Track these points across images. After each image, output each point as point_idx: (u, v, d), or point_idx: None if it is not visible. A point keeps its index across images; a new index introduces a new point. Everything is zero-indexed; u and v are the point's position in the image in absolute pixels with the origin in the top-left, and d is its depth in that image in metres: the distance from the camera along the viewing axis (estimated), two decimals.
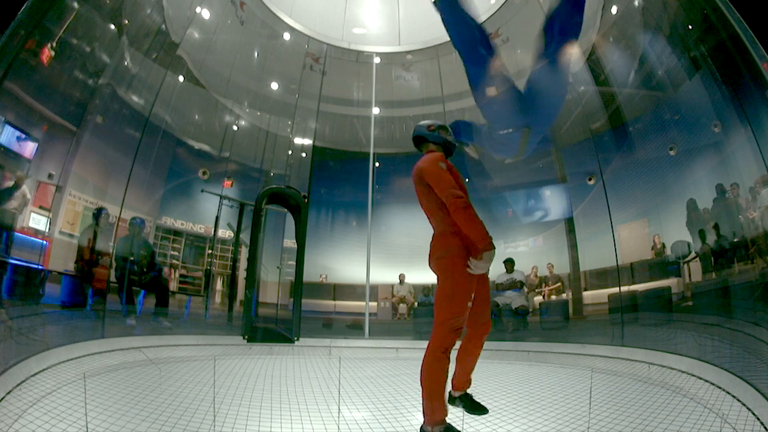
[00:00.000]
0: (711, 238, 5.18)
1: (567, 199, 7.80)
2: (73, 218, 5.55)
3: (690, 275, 5.51)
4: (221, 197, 7.62)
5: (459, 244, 2.10)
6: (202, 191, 7.73)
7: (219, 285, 8.11)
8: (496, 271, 7.28)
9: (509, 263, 7.23)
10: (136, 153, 5.88)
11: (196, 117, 8.09)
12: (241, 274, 7.56)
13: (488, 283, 2.29)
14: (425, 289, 8.26)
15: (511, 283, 7.00)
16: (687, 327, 4.92)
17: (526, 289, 7.30)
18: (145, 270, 5.82)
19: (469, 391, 2.35)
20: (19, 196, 4.33)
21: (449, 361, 2.03)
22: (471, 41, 2.64)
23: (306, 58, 8.26)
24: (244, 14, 7.49)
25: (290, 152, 8.69)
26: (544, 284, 7.71)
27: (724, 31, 4.02)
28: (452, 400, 2.33)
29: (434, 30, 8.14)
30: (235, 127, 8.38)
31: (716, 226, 5.10)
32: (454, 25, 2.67)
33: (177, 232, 7.87)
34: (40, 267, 4.54)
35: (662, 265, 6.04)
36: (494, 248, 2.04)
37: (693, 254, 5.49)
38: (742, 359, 3.20)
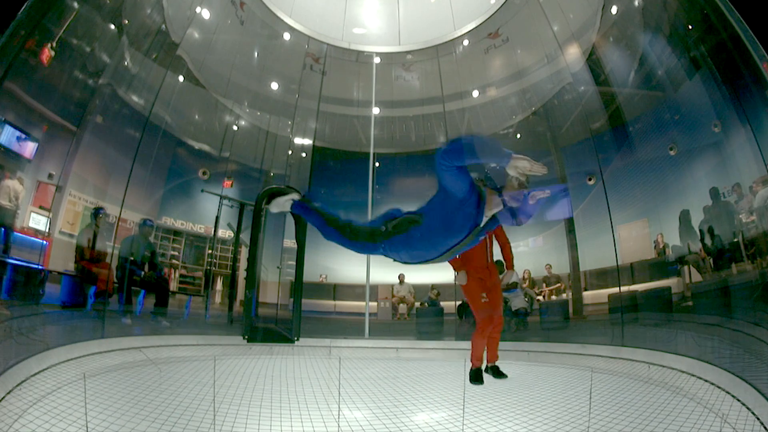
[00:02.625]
0: (699, 257, 5.27)
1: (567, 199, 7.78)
2: (73, 218, 5.55)
3: (690, 275, 5.52)
4: (221, 197, 7.61)
5: None
6: (202, 191, 7.72)
7: (219, 285, 8.11)
8: None
9: (499, 264, 7.20)
10: (136, 153, 5.88)
11: (196, 117, 8.09)
12: (241, 274, 7.56)
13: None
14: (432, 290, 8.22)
15: (506, 285, 6.97)
16: (687, 327, 4.92)
17: (525, 283, 7.28)
18: (147, 270, 5.83)
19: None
20: (5, 189, 4.29)
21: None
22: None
23: (306, 58, 8.25)
24: (244, 14, 7.49)
25: (290, 152, 8.69)
26: (543, 285, 7.70)
27: (724, 31, 4.02)
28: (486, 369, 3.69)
29: (434, 30, 8.15)
30: (235, 127, 8.38)
31: (709, 236, 5.14)
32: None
33: (177, 232, 7.87)
34: (40, 267, 4.54)
35: (662, 265, 6.04)
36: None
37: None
38: (742, 359, 3.20)
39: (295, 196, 2.49)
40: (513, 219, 1.90)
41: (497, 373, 3.68)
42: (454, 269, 3.68)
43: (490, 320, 3.53)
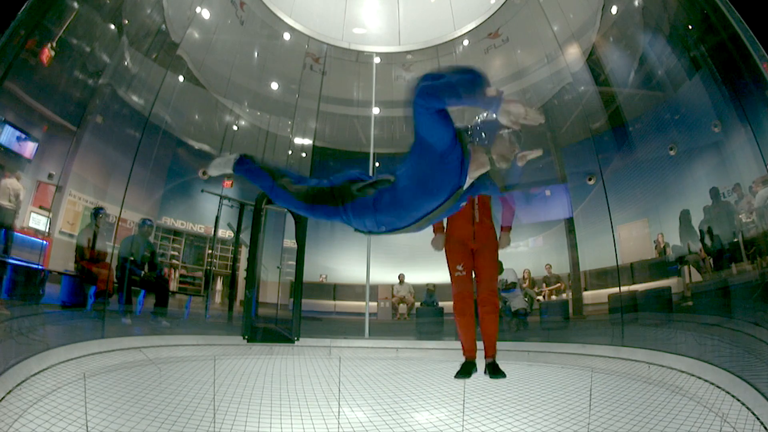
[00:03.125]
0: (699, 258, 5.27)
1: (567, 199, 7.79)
2: (73, 218, 5.55)
3: (690, 275, 5.52)
4: (221, 197, 7.61)
5: None
6: (202, 191, 7.72)
7: (219, 285, 8.10)
8: None
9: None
10: (136, 153, 5.88)
11: (196, 117, 8.09)
12: (241, 274, 7.56)
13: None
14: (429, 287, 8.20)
15: (505, 285, 6.97)
16: (687, 327, 4.92)
17: (525, 283, 7.29)
18: (147, 270, 5.83)
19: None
20: (4, 189, 4.29)
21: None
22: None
23: (306, 58, 8.25)
24: (244, 14, 7.49)
25: (290, 152, 8.69)
26: (543, 285, 7.70)
27: (724, 31, 4.02)
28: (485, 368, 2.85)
29: (434, 30, 8.15)
30: (235, 127, 8.38)
31: (709, 236, 5.14)
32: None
33: (177, 232, 7.87)
34: (40, 267, 4.54)
35: (662, 265, 6.04)
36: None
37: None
38: (742, 359, 3.20)
39: (236, 156, 2.07)
40: (494, 185, 1.69)
41: (494, 372, 2.84)
42: (434, 231, 3.00)
43: (466, 296, 2.84)
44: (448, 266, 2.93)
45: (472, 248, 2.90)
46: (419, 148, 1.52)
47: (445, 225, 2.97)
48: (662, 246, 6.11)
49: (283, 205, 1.90)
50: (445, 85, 1.37)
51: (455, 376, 2.70)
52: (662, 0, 5.63)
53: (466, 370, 2.71)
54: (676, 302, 5.56)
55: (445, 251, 2.96)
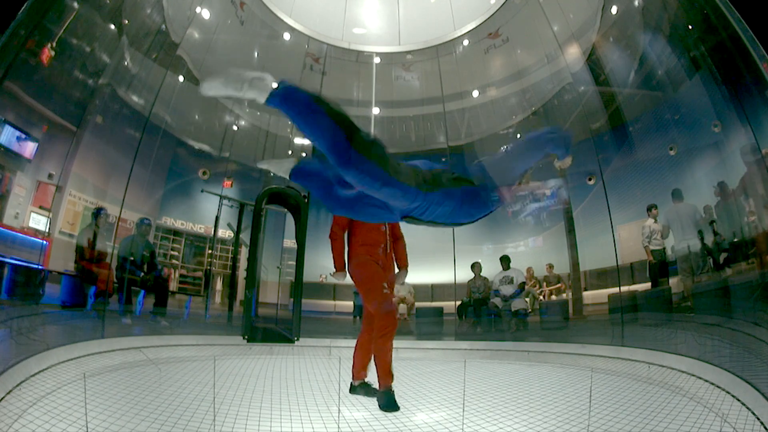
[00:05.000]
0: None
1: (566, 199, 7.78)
2: (73, 218, 5.55)
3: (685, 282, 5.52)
4: (221, 197, 7.61)
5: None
6: (202, 191, 7.73)
7: (219, 285, 8.10)
8: (494, 269, 7.28)
9: (505, 260, 7.20)
10: (136, 153, 5.88)
11: (196, 117, 8.09)
12: (241, 274, 7.56)
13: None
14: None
15: (508, 280, 6.97)
16: (687, 327, 4.92)
17: (530, 282, 7.31)
18: (146, 270, 5.83)
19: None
20: None
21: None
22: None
23: (306, 58, 8.25)
24: (244, 14, 7.49)
25: (290, 152, 8.69)
26: (544, 284, 7.71)
27: (724, 31, 4.02)
28: (353, 389, 3.05)
29: (434, 30, 8.15)
30: (235, 127, 8.38)
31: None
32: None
33: (177, 232, 7.87)
34: (40, 267, 4.54)
35: (662, 265, 6.03)
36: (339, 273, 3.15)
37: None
38: (742, 359, 3.20)
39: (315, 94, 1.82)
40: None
41: (371, 391, 2.95)
42: (336, 268, 3.20)
43: (393, 317, 2.80)
44: (368, 285, 2.87)
45: (386, 272, 3.03)
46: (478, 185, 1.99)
47: (346, 261, 3.16)
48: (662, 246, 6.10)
49: (346, 170, 1.67)
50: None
51: (387, 411, 2.62)
52: (662, 0, 5.63)
53: (391, 400, 2.68)
54: (676, 302, 5.57)
55: (361, 272, 2.95)
